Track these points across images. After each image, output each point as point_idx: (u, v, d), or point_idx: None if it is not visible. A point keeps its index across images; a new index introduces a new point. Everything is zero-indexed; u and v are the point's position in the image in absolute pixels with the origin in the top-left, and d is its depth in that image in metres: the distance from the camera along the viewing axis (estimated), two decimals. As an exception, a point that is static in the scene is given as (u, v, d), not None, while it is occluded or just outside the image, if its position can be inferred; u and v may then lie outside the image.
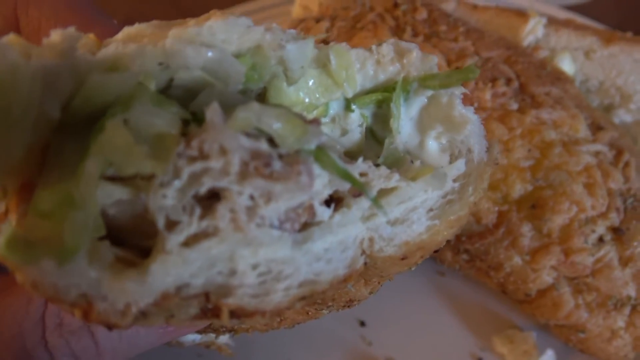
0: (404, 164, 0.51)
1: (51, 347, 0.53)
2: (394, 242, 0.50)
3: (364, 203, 0.46)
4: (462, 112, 0.52)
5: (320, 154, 0.43)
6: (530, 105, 0.88)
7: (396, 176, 0.48)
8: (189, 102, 0.45)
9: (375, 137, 0.54)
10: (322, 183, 0.43)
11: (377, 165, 0.48)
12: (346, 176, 0.44)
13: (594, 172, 0.82)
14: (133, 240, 0.43)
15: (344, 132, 0.52)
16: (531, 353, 0.88)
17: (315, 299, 0.51)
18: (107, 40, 0.44)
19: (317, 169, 0.43)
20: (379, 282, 0.58)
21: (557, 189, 0.82)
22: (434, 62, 0.53)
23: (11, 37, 0.39)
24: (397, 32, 0.99)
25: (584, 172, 0.82)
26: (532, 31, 0.99)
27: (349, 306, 0.59)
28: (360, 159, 0.46)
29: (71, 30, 0.40)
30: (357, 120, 0.53)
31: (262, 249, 0.41)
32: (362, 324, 0.97)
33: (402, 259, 0.51)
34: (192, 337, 0.81)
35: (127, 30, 0.44)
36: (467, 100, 0.52)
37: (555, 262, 0.81)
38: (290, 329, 0.70)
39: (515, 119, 0.86)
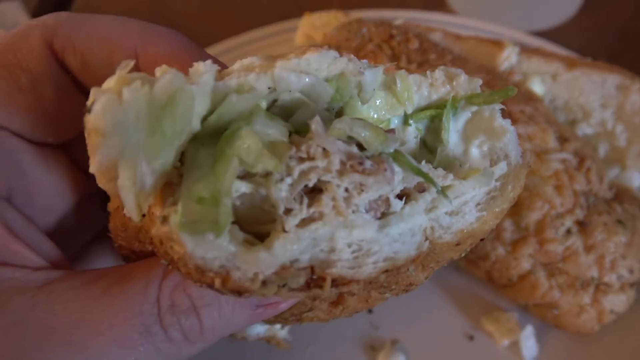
0: (454, 167, 0.60)
1: (165, 324, 0.61)
2: (450, 230, 0.59)
3: (427, 197, 0.55)
4: (501, 124, 0.60)
5: (398, 155, 0.54)
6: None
7: (451, 176, 0.57)
8: (288, 119, 0.56)
9: (427, 147, 0.63)
10: (397, 179, 0.53)
11: (435, 168, 0.57)
12: (419, 172, 0.54)
13: (561, 176, 0.99)
14: (249, 227, 0.53)
15: (403, 143, 0.61)
16: (514, 330, 1.04)
17: (393, 274, 0.64)
18: (225, 71, 0.53)
19: (395, 167, 0.53)
20: (433, 269, 0.67)
21: (532, 190, 0.98)
22: (479, 83, 0.62)
23: (164, 67, 0.49)
24: (394, 60, 1.15)
25: (553, 176, 0.99)
26: (508, 58, 1.15)
27: (407, 290, 0.69)
28: (424, 162, 0.56)
29: (209, 62, 0.51)
30: (413, 133, 0.61)
31: (356, 230, 0.52)
32: (370, 311, 1.12)
33: (457, 244, 0.60)
34: (257, 331, 0.92)
35: (241, 63, 0.54)
36: (505, 114, 0.62)
37: (532, 251, 0.97)
38: (349, 317, 0.80)
39: (496, 133, 1.03)
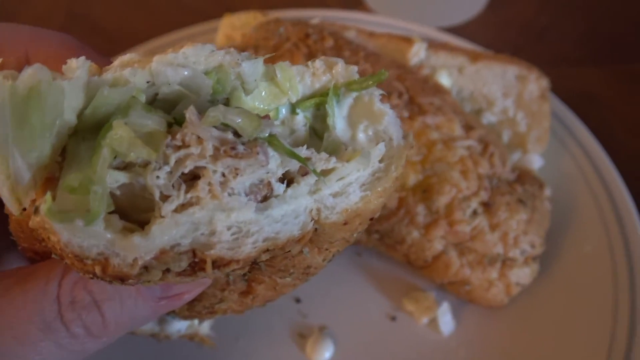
0: (340, 151, 0.62)
1: (66, 320, 0.63)
2: (335, 210, 0.61)
3: (309, 180, 0.58)
4: (380, 107, 0.62)
5: (273, 139, 0.56)
6: (418, 113, 1.11)
7: (333, 159, 0.59)
8: (171, 111, 0.58)
9: (317, 135, 0.65)
10: (276, 163, 0.55)
11: (319, 152, 0.59)
12: (293, 155, 0.56)
13: (467, 161, 1.06)
14: (132, 216, 0.55)
15: (292, 132, 0.63)
16: (432, 308, 1.10)
17: (277, 263, 0.66)
18: (106, 67, 0.55)
19: (270, 150, 0.56)
20: (330, 251, 0.70)
21: (441, 176, 1.05)
22: (355, 70, 0.64)
23: (38, 64, 0.50)
24: (310, 58, 1.19)
25: (459, 162, 1.06)
26: (417, 54, 1.22)
27: (307, 273, 0.73)
28: (305, 146, 0.58)
29: (82, 58, 0.53)
30: (301, 121, 0.64)
31: (234, 213, 0.54)
32: (298, 300, 1.16)
33: (344, 224, 0.62)
34: (178, 328, 0.93)
35: (121, 59, 0.56)
36: (384, 99, 0.63)
37: (443, 232, 1.04)
38: (262, 307, 0.83)
39: (407, 124, 1.09)
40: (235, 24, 1.38)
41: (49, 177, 0.53)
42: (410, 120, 1.09)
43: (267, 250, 0.58)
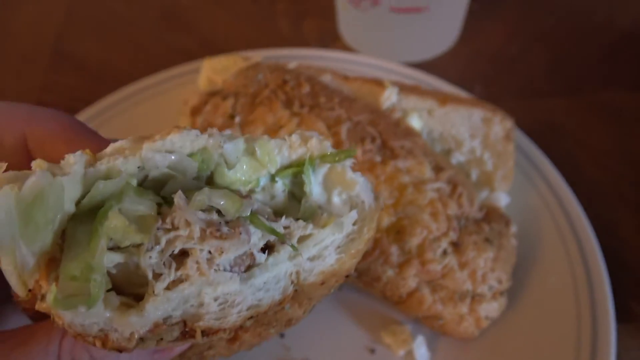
0: (317, 216, 0.67)
1: None
2: (313, 272, 0.67)
3: (289, 247, 0.65)
4: (352, 177, 0.68)
5: (254, 218, 0.62)
6: (390, 157, 1.18)
7: (310, 226, 0.65)
8: (160, 190, 0.64)
9: (296, 197, 0.71)
10: (257, 237, 0.61)
11: (297, 219, 0.65)
12: (272, 231, 0.62)
13: (436, 204, 1.14)
14: (127, 289, 0.60)
15: (272, 197, 0.69)
16: (408, 340, 1.17)
17: (261, 319, 0.71)
18: (99, 154, 0.60)
19: (252, 228, 0.61)
20: (310, 305, 0.75)
21: (412, 218, 1.12)
22: (328, 145, 0.69)
23: (39, 162, 0.56)
24: (288, 105, 1.26)
25: (429, 204, 1.13)
26: (389, 98, 1.29)
27: (288, 325, 0.77)
28: (284, 217, 0.64)
29: (79, 152, 0.58)
30: (280, 188, 0.69)
31: (220, 286, 0.60)
32: (282, 335, 1.22)
33: (322, 283, 0.69)
34: None
35: (112, 146, 0.61)
36: (355, 167, 0.69)
37: (415, 271, 1.11)
38: (249, 351, 0.90)
39: (380, 169, 1.16)
40: (217, 68, 1.45)
41: (51, 259, 0.58)
42: (383, 164, 1.16)
43: (251, 317, 0.65)
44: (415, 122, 1.27)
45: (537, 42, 1.82)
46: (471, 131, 1.27)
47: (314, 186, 0.69)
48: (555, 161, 1.37)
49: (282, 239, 0.64)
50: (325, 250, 0.68)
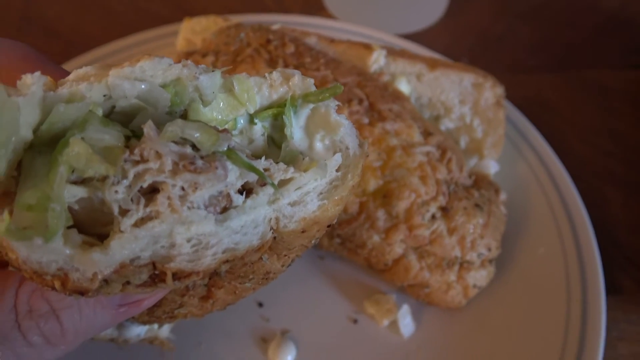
0: (298, 161, 0.62)
1: (23, 329, 0.62)
2: (294, 219, 0.62)
3: (268, 190, 0.59)
4: (336, 119, 0.63)
5: (231, 153, 0.56)
6: (378, 119, 1.13)
7: (291, 169, 0.60)
8: (128, 124, 0.57)
9: (276, 144, 0.65)
10: (234, 176, 0.56)
11: (277, 163, 0.60)
12: (251, 168, 0.57)
13: (425, 167, 1.09)
14: (91, 230, 0.54)
15: (251, 141, 0.64)
16: (392, 310, 1.12)
17: (237, 269, 0.66)
18: (61, 81, 0.55)
19: (229, 164, 0.55)
20: (289, 257, 0.70)
21: (400, 181, 1.07)
22: (311, 83, 0.64)
23: None
24: (271, 64, 1.20)
25: (418, 167, 1.09)
26: (376, 61, 1.24)
27: (266, 278, 0.73)
28: (263, 158, 0.59)
29: (38, 73, 0.52)
30: (259, 131, 0.64)
31: (193, 226, 0.54)
32: (260, 305, 1.16)
33: (303, 232, 0.63)
34: (137, 332, 0.92)
35: (76, 72, 0.55)
36: (340, 110, 0.65)
37: (402, 236, 1.07)
38: (222, 310, 0.83)
39: (367, 130, 1.11)
40: (196, 29, 1.38)
41: (5, 192, 0.52)
42: (370, 126, 1.11)
43: (227, 261, 0.59)
44: (404, 86, 1.22)
45: (524, 21, 1.79)
46: (461, 97, 1.23)
47: (296, 130, 0.64)
48: (543, 135, 1.34)
49: (263, 178, 0.58)
50: (307, 195, 0.63)
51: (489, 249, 1.09)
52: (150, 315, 0.81)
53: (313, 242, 0.70)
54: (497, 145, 1.22)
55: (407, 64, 1.24)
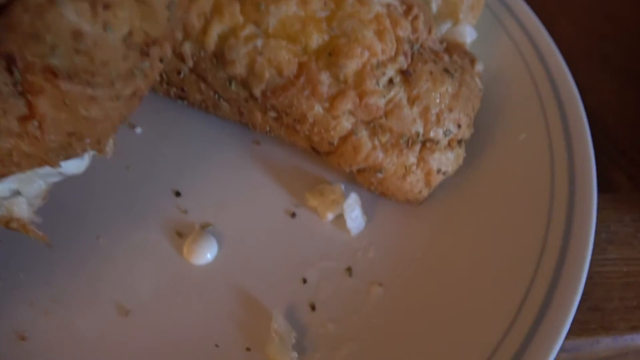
0: None
1: None
2: None
3: None
4: None
5: None
6: (326, -39, 0.89)
7: None
8: None
9: None
10: None
11: None
12: None
13: (383, 20, 0.86)
14: None
15: None
16: (338, 201, 0.92)
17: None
18: None
19: None
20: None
21: (351, 36, 0.84)
22: None
23: None
24: None
25: (374, 20, 0.85)
26: None
27: (113, 84, 0.53)
28: None
29: None
30: None
31: None
32: (178, 194, 0.95)
33: None
34: None
35: None
36: None
37: (351, 106, 0.84)
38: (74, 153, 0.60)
39: (311, -28, 0.87)
40: None
41: None
42: (316, -33, 0.87)
43: None
44: None
45: None
46: (434, -54, 1.00)
47: None
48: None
49: None
50: None
51: (459, 126, 0.88)
52: None
53: None
54: (475, 8, 1.00)
55: None
